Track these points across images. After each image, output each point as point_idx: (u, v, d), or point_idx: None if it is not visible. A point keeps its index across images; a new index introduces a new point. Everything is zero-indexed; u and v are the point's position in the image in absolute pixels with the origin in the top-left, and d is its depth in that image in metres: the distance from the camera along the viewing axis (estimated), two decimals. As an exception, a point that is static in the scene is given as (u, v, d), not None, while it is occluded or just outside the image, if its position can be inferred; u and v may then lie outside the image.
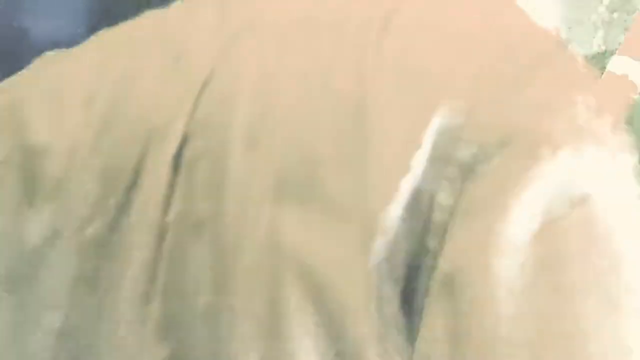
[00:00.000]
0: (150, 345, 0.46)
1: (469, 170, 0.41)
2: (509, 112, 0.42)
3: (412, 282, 0.41)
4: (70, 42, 0.59)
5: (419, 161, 0.42)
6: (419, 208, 0.41)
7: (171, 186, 0.47)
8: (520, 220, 0.39)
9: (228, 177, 0.45)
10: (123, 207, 0.48)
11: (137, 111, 0.50)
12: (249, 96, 0.47)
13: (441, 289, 0.39)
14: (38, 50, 0.62)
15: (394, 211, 0.41)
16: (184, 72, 0.51)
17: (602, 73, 3.84)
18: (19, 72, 0.60)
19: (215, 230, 0.45)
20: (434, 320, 0.39)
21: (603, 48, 3.95)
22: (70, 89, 0.54)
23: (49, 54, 0.61)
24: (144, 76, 0.52)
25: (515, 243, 0.39)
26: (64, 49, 0.61)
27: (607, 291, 0.40)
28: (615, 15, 4.19)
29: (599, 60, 3.86)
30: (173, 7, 0.57)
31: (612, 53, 3.82)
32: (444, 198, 0.41)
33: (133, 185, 0.48)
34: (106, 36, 0.59)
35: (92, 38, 0.59)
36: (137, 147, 0.48)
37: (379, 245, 0.41)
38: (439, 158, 0.41)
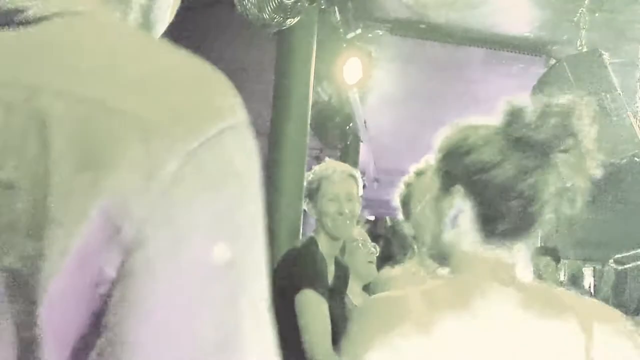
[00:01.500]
0: None
1: (131, 248, 0.45)
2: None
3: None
4: None
5: (87, 233, 0.45)
6: (89, 277, 0.45)
7: None
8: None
9: None
10: None
11: None
12: None
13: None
14: None
15: (61, 282, 0.45)
16: None
17: (585, 72, 3.93)
18: None
19: None
20: None
21: (585, 48, 4.08)
22: None
23: None
24: None
25: None
26: None
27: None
28: (597, 15, 4.33)
29: (581, 59, 3.96)
30: None
31: (597, 53, 3.94)
32: (109, 271, 0.45)
33: None
34: None
35: None
36: None
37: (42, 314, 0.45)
38: (108, 232, 0.45)
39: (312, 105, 4.13)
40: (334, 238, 2.65)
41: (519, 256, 1.23)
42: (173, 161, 0.46)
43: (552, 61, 4.21)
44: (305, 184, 2.81)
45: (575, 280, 7.35)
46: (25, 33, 0.54)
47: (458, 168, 1.22)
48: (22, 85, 0.49)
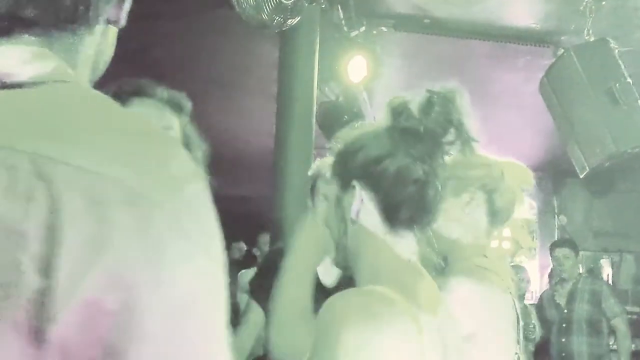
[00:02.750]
0: None
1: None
2: None
3: None
4: None
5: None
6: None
7: None
8: None
9: None
10: None
11: None
12: None
13: None
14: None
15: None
16: None
17: (593, 61, 3.88)
18: None
19: None
20: None
21: (592, 37, 4.03)
22: None
23: None
24: None
25: None
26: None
27: None
28: (604, 3, 4.27)
29: (589, 48, 3.91)
30: None
31: (606, 42, 3.89)
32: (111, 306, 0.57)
33: None
34: None
35: None
36: None
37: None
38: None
39: (320, 105, 4.11)
40: None
41: (419, 244, 1.30)
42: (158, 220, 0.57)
43: (560, 51, 4.16)
44: None
45: (593, 272, 7.28)
46: (19, 96, 0.61)
47: (352, 165, 1.28)
48: (23, 150, 0.57)
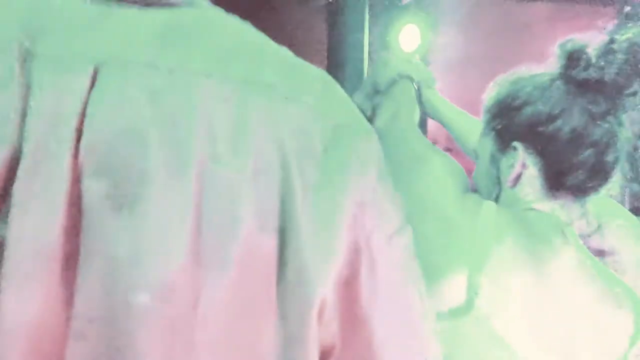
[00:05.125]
0: None
1: None
2: None
3: None
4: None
5: None
6: None
7: None
8: None
9: None
10: None
11: None
12: None
13: None
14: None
15: None
16: None
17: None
18: None
19: None
20: None
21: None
22: None
23: None
24: None
25: None
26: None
27: None
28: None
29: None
30: None
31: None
32: None
33: None
34: None
35: None
36: None
37: None
38: None
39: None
40: None
41: (577, 214, 1.11)
42: None
43: (627, 9, 3.96)
44: None
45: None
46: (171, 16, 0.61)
47: (515, 123, 1.10)
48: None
